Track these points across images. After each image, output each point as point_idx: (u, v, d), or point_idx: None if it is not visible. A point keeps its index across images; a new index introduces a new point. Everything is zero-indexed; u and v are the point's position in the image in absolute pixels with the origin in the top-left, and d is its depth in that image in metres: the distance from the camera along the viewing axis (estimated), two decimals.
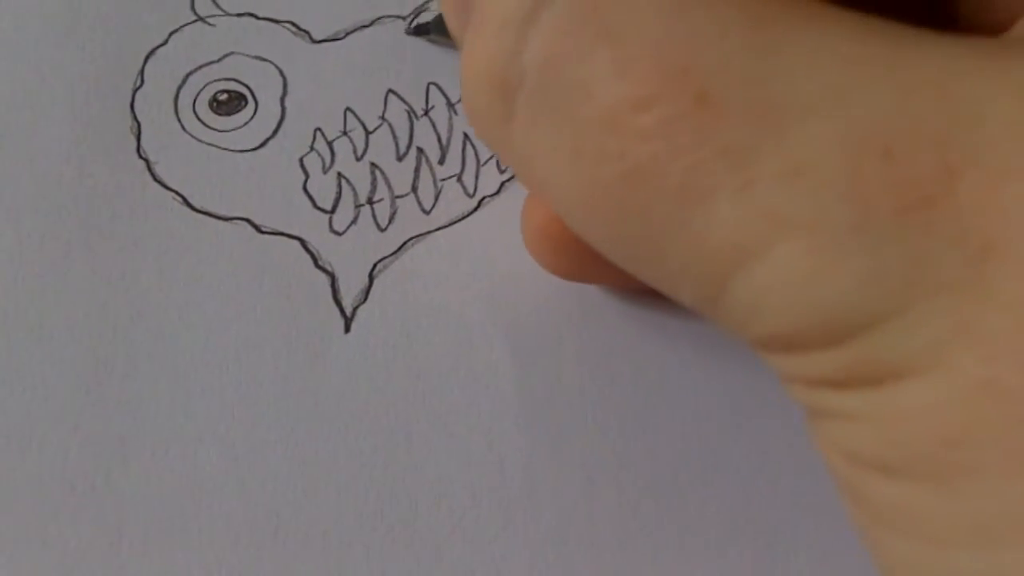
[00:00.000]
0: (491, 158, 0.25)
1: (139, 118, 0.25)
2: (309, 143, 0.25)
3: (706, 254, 0.14)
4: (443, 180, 0.25)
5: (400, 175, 0.25)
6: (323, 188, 0.25)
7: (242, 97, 0.25)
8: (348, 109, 0.25)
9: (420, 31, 0.26)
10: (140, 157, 0.25)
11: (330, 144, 0.25)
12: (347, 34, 0.26)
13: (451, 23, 0.16)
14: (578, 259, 0.21)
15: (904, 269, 0.12)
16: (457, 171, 0.25)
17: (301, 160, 0.25)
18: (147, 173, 0.25)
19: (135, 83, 0.26)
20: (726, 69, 0.13)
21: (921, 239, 0.12)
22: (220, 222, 0.24)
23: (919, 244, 0.12)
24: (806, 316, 0.13)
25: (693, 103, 0.13)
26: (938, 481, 0.13)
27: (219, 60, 0.26)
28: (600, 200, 0.14)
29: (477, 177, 0.25)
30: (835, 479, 0.15)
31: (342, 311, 0.23)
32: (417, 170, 0.25)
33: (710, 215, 0.13)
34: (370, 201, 0.24)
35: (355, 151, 0.25)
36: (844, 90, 0.13)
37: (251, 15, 0.26)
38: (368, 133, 0.25)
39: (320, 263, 0.24)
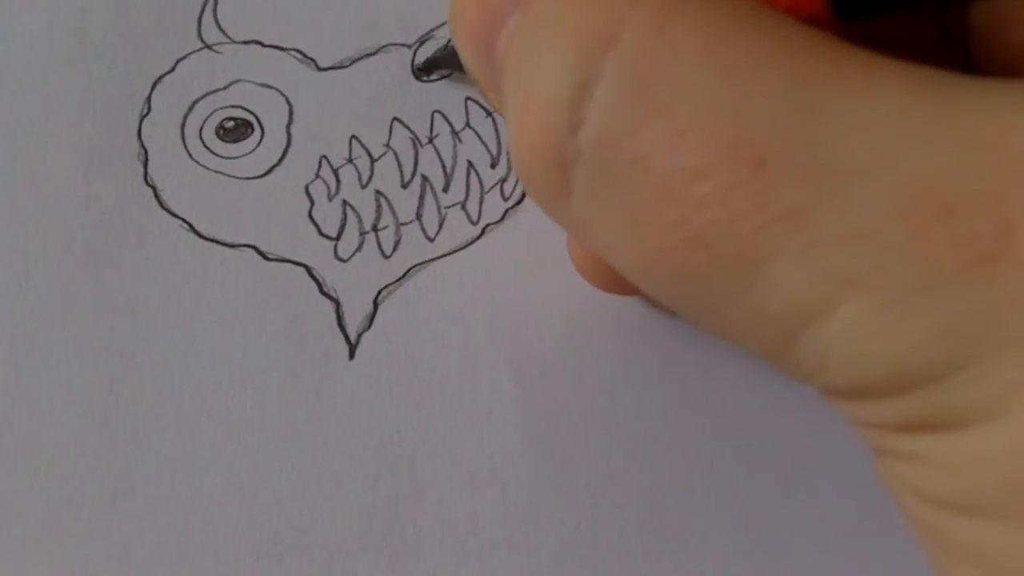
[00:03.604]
0: (495, 186, 0.25)
1: (146, 145, 0.25)
2: (315, 170, 0.25)
3: (770, 315, 0.14)
4: (447, 208, 0.25)
5: (404, 202, 0.25)
6: (328, 215, 0.25)
7: (248, 124, 0.26)
8: (353, 137, 0.26)
9: (428, 68, 0.26)
10: (147, 184, 0.25)
11: (335, 171, 0.25)
12: (352, 62, 0.26)
13: (471, 65, 0.16)
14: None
15: (969, 325, 0.13)
16: (461, 199, 0.25)
17: (307, 187, 0.25)
18: (154, 200, 0.25)
19: (142, 111, 0.26)
20: (778, 134, 0.13)
21: (985, 295, 0.12)
22: (226, 249, 0.24)
23: (983, 300, 0.12)
24: (871, 370, 0.13)
25: (749, 170, 0.13)
26: (1015, 522, 0.13)
27: (225, 88, 0.26)
28: (662, 266, 0.14)
29: (481, 204, 0.25)
30: (905, 515, 0.15)
31: (347, 337, 0.24)
32: (421, 197, 0.25)
33: (772, 278, 0.13)
34: (375, 228, 0.25)
35: (360, 179, 0.25)
36: (896, 148, 0.13)
37: (257, 43, 0.27)
38: (373, 161, 0.25)
39: (325, 290, 0.24)
